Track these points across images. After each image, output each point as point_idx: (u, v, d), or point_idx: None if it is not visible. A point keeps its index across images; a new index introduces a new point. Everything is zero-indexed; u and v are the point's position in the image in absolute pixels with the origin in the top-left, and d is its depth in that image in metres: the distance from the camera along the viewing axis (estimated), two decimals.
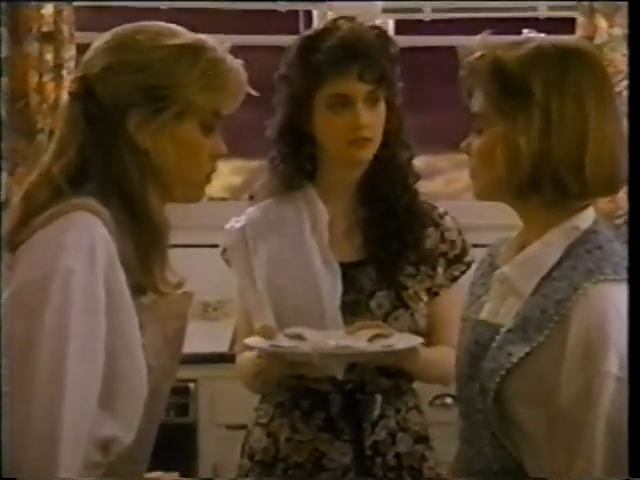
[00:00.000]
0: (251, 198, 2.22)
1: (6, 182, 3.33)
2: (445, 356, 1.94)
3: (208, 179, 1.53)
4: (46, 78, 3.41)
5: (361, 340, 1.92)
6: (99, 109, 1.44)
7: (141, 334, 1.40)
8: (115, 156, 1.44)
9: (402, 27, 3.76)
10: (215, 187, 3.35)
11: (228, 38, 1.57)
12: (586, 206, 1.58)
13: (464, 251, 2.15)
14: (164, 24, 1.50)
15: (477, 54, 1.56)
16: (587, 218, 1.57)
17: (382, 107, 2.07)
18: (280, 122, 2.11)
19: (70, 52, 3.43)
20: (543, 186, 1.51)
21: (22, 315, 1.29)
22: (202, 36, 1.50)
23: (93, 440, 1.34)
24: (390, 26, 3.73)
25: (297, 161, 2.11)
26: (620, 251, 1.52)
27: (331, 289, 2.04)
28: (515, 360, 1.50)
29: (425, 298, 2.10)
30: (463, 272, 2.13)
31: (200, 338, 3.03)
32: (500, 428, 1.53)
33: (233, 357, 2.20)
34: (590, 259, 1.51)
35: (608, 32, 3.46)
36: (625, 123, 1.54)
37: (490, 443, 1.55)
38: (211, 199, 3.48)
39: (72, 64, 3.38)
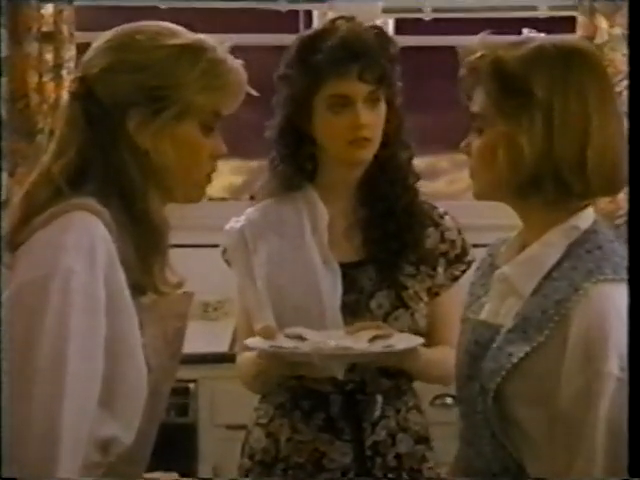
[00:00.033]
0: (252, 198, 2.22)
1: (6, 182, 3.33)
2: (445, 356, 1.94)
3: (208, 179, 1.53)
4: (46, 78, 3.41)
5: (361, 341, 1.92)
6: (99, 109, 1.44)
7: (141, 334, 1.40)
8: (115, 156, 1.44)
9: (402, 27, 3.76)
10: (215, 187, 3.35)
11: (228, 38, 1.57)
12: (586, 206, 1.58)
13: (464, 251, 2.15)
14: (164, 24, 1.50)
15: (478, 54, 1.56)
16: (587, 218, 1.57)
17: (382, 107, 2.06)
18: (280, 123, 2.11)
19: (70, 52, 3.43)
20: (545, 186, 1.51)
21: (22, 315, 1.29)
22: (202, 36, 1.50)
23: (93, 440, 1.34)
24: (390, 26, 3.73)
25: (297, 161, 2.11)
26: (620, 251, 1.52)
27: (331, 289, 2.04)
28: (515, 360, 1.50)
29: (425, 298, 2.10)
30: (464, 272, 2.13)
31: (200, 338, 3.03)
32: (500, 428, 1.53)
33: (233, 357, 2.20)
34: (590, 259, 1.51)
35: (608, 32, 3.46)
36: (625, 123, 1.54)
37: (490, 443, 1.55)
38: (211, 199, 3.48)
39: (72, 64, 3.39)
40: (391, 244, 2.08)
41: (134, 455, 1.43)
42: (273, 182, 2.14)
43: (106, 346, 1.33)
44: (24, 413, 1.25)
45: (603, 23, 3.47)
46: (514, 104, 1.51)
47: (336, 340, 1.92)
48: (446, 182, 3.97)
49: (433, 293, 2.12)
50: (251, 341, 1.97)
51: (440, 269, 2.12)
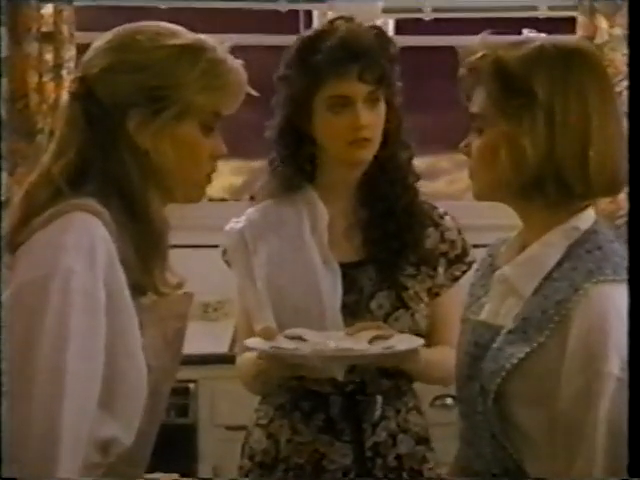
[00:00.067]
0: (252, 198, 2.22)
1: (6, 182, 3.33)
2: (446, 357, 1.94)
3: (208, 179, 1.53)
4: (46, 78, 3.41)
5: (362, 341, 1.92)
6: (99, 109, 1.44)
7: (141, 335, 1.40)
8: (115, 156, 1.44)
9: (402, 27, 3.76)
10: (215, 187, 3.35)
11: (228, 38, 1.57)
12: (586, 207, 1.58)
13: (465, 251, 2.14)
14: (164, 24, 1.50)
15: (479, 54, 1.56)
16: (587, 218, 1.57)
17: (382, 107, 2.06)
18: (279, 123, 2.10)
19: (70, 52, 3.43)
20: (547, 186, 1.51)
21: (22, 315, 1.29)
22: (202, 36, 1.50)
23: (93, 441, 1.34)
24: (390, 26, 3.73)
25: (297, 162, 2.11)
26: (620, 251, 1.52)
27: (331, 289, 2.04)
28: (515, 361, 1.50)
29: (426, 299, 2.10)
30: (464, 272, 2.13)
31: (200, 339, 3.03)
32: (500, 429, 1.53)
33: (233, 358, 2.20)
34: (590, 259, 1.51)
35: (608, 32, 3.47)
36: (625, 123, 1.54)
37: (490, 444, 1.55)
38: (211, 200, 3.48)
39: (72, 64, 3.39)
40: (391, 244, 2.08)
41: (134, 456, 1.43)
42: (273, 183, 2.14)
43: (106, 346, 1.33)
44: (24, 413, 1.24)
45: (603, 23, 3.47)
46: (516, 104, 1.51)
47: (336, 341, 1.92)
48: (446, 182, 3.97)
49: (433, 293, 2.12)
50: (251, 342, 1.97)
51: (440, 269, 2.12)
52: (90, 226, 1.35)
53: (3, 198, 3.19)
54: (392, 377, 2.06)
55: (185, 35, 1.48)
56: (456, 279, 2.13)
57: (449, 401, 2.88)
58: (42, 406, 1.25)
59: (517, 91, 1.51)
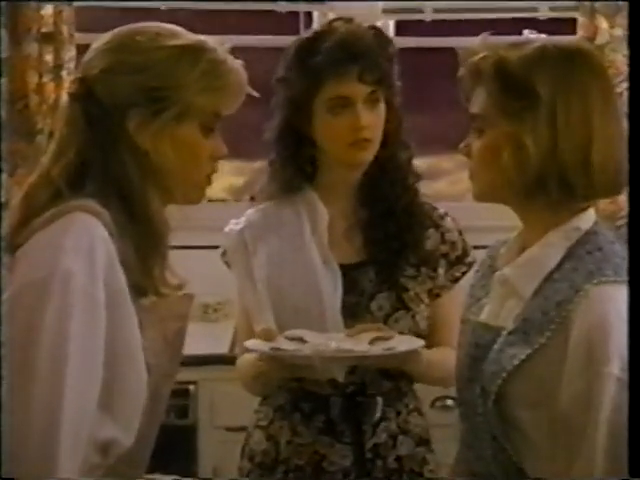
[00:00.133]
0: (252, 199, 2.22)
1: (6, 183, 3.33)
2: (446, 358, 1.93)
3: (208, 180, 1.53)
4: (46, 79, 3.41)
5: (362, 343, 1.92)
6: (99, 110, 1.44)
7: (141, 336, 1.40)
8: (115, 157, 1.44)
9: (403, 28, 3.76)
10: (215, 188, 3.34)
11: (228, 39, 1.57)
12: (587, 207, 1.57)
13: (465, 252, 2.14)
14: (164, 25, 1.50)
15: (480, 55, 1.55)
16: (588, 219, 1.57)
17: (382, 108, 2.06)
18: (279, 125, 2.10)
19: (70, 53, 3.43)
20: (549, 187, 1.51)
21: (22, 316, 1.29)
22: (202, 37, 1.50)
23: (93, 442, 1.34)
24: (391, 27, 3.73)
25: (297, 163, 2.10)
26: (621, 252, 1.52)
27: (331, 290, 2.04)
28: (516, 362, 1.50)
29: (426, 300, 2.09)
30: (464, 273, 2.12)
31: (200, 340, 3.02)
32: (501, 430, 1.53)
33: (233, 359, 2.20)
34: (591, 260, 1.51)
35: (609, 33, 3.46)
36: (625, 124, 1.54)
37: (490, 445, 1.55)
38: (211, 200, 3.48)
39: (72, 65, 3.38)
40: (391, 245, 2.08)
41: (134, 457, 1.43)
42: (273, 184, 2.14)
43: (106, 347, 1.33)
44: (24, 413, 1.24)
45: (604, 24, 3.46)
46: (517, 105, 1.51)
47: (337, 342, 1.91)
48: (448, 183, 3.96)
49: (434, 294, 2.11)
50: (251, 343, 1.97)
51: (441, 270, 2.12)
52: (90, 227, 1.35)
53: (3, 199, 3.19)
54: (392, 378, 2.06)
55: (185, 36, 1.48)
56: (456, 280, 2.13)
57: (449, 402, 2.87)
58: (42, 406, 1.25)
59: (519, 91, 1.51)
